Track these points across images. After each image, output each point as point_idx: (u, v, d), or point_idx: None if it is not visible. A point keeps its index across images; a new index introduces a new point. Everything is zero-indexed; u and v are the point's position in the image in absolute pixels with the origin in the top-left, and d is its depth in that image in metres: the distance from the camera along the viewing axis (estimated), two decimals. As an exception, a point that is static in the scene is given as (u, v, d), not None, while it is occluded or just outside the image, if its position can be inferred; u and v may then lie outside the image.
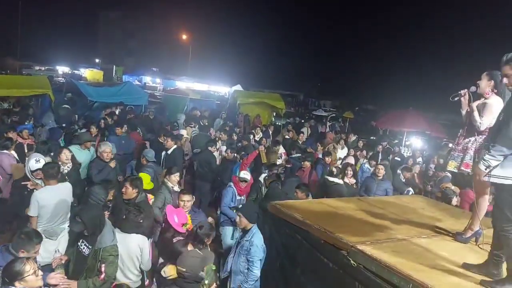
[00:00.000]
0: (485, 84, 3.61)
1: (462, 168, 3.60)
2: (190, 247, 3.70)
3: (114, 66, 44.09)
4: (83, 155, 6.89)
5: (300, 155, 9.19)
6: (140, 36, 60.04)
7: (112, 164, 6.42)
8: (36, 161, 4.99)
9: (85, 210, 3.79)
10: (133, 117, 11.76)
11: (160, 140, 8.40)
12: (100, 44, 62.36)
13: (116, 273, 3.69)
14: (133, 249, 3.95)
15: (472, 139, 3.59)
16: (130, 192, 4.79)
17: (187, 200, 4.96)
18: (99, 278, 3.55)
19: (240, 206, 4.47)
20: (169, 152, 7.65)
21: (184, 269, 3.23)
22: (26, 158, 6.93)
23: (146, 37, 59.02)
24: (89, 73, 40.24)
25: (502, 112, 3.01)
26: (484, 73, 3.66)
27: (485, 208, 3.80)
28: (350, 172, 7.22)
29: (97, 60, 53.50)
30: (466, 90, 3.71)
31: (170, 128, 10.74)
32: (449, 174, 7.74)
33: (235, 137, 10.74)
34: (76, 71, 42.61)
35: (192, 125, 11.21)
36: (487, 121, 3.51)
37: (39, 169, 4.92)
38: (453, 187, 6.99)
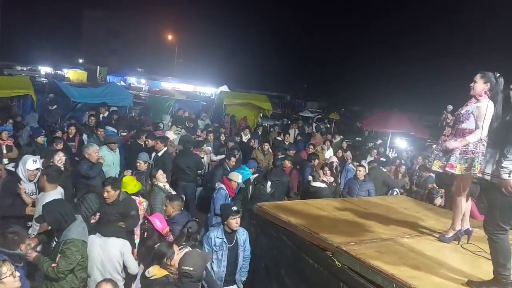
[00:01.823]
0: (481, 87, 3.51)
1: (447, 168, 3.57)
2: (175, 248, 3.68)
3: (98, 66, 43.45)
4: (111, 156, 7.14)
5: (284, 156, 9.14)
6: (125, 35, 59.23)
7: (101, 160, 6.38)
8: (34, 162, 4.95)
9: (46, 205, 3.80)
10: (119, 118, 11.59)
11: (139, 142, 8.28)
12: (84, 44, 61.14)
13: (68, 269, 3.57)
14: (112, 253, 3.89)
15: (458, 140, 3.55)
16: (113, 194, 4.69)
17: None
18: (50, 265, 3.53)
19: (236, 208, 4.56)
20: (159, 154, 7.56)
21: (191, 269, 3.27)
22: (4, 160, 6.81)
23: (131, 37, 58.18)
24: (72, 74, 39.53)
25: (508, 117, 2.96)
26: (478, 75, 3.55)
27: (467, 208, 3.85)
28: (327, 171, 7.48)
29: (80, 60, 52.72)
30: (445, 113, 3.77)
31: (152, 129, 10.60)
32: (432, 174, 7.82)
33: (223, 138, 10.67)
34: (59, 72, 41.92)
35: (180, 127, 11.10)
36: (485, 125, 3.41)
37: (37, 169, 4.92)
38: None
